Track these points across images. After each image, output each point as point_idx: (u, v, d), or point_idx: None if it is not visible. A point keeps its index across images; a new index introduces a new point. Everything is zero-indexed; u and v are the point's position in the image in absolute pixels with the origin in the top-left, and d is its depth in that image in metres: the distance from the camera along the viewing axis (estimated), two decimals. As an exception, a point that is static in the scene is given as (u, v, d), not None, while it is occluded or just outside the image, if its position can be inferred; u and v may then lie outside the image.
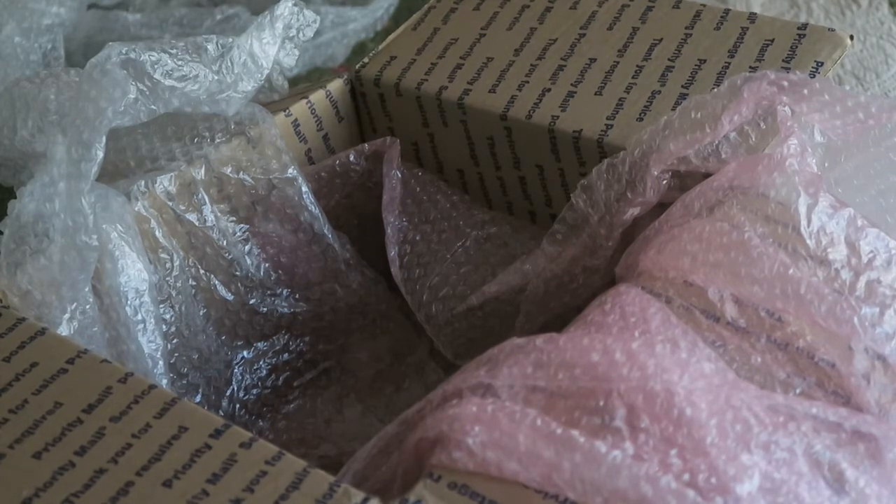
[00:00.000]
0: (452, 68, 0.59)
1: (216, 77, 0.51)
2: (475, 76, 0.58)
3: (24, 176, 0.53)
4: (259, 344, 0.58)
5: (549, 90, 0.56)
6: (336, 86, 0.61)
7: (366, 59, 0.62)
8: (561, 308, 0.53)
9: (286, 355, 0.60)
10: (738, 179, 0.46)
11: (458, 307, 0.57)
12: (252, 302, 0.57)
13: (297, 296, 0.59)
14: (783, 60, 0.54)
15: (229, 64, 0.52)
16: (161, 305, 0.52)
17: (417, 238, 0.60)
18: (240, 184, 0.56)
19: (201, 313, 0.55)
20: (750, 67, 0.54)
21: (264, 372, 0.59)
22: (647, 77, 0.55)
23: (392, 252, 0.58)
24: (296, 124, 0.59)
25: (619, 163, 0.49)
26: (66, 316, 0.46)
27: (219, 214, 0.55)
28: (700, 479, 0.35)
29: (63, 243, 0.46)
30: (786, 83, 0.46)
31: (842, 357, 0.40)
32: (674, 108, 0.50)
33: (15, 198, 0.48)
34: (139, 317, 0.49)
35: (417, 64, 0.60)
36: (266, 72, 0.53)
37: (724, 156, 0.47)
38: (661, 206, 0.48)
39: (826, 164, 0.48)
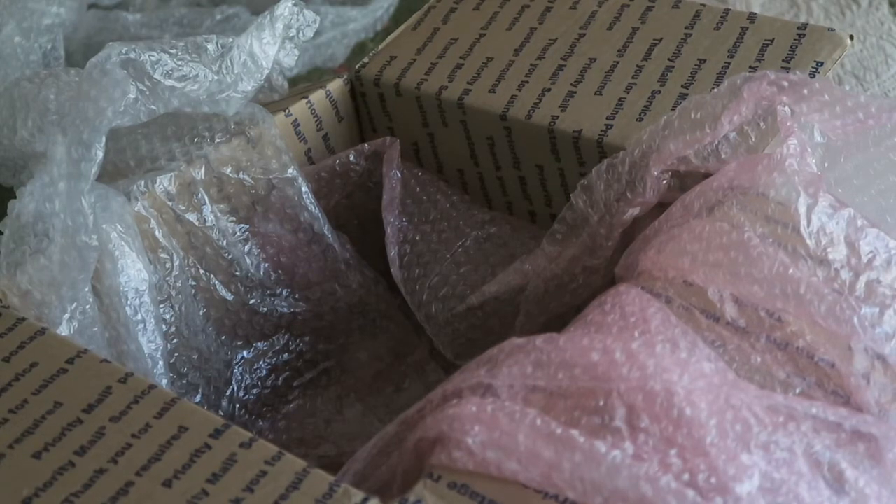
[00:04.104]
0: (452, 68, 0.59)
1: (216, 77, 0.51)
2: (475, 76, 0.58)
3: (24, 176, 0.53)
4: (259, 344, 0.58)
5: (549, 90, 0.56)
6: (336, 86, 0.61)
7: (366, 59, 0.62)
8: (561, 308, 0.53)
9: (286, 355, 0.60)
10: (738, 179, 0.46)
11: (458, 307, 0.57)
12: (252, 302, 0.57)
13: (297, 296, 0.59)
14: (783, 60, 0.54)
15: (229, 64, 0.52)
16: (161, 305, 0.52)
17: (417, 238, 0.60)
18: (240, 184, 0.56)
19: (201, 313, 0.55)
20: (750, 67, 0.54)
21: (264, 372, 0.59)
22: (647, 77, 0.55)
23: (392, 252, 0.58)
24: (296, 124, 0.59)
25: (618, 163, 0.49)
26: (66, 316, 0.46)
27: (219, 214, 0.55)
28: (700, 478, 0.35)
29: (63, 243, 0.46)
30: (786, 83, 0.46)
31: (842, 357, 0.40)
32: (674, 108, 0.50)
33: (15, 198, 0.48)
34: (139, 317, 0.49)
35: (417, 64, 0.60)
36: (266, 72, 0.53)
37: (724, 156, 0.47)
38: (661, 206, 0.48)
39: (826, 164, 0.48)
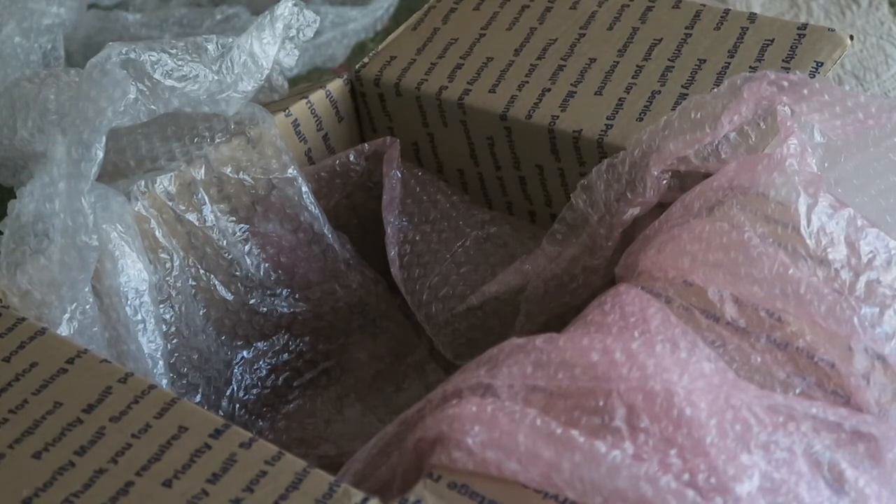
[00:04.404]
0: (452, 68, 0.59)
1: (216, 77, 0.51)
2: (475, 76, 0.58)
3: (24, 176, 0.53)
4: (259, 344, 0.58)
5: (549, 90, 0.56)
6: (336, 86, 0.61)
7: (366, 59, 0.62)
8: (561, 308, 0.53)
9: (286, 355, 0.60)
10: (738, 179, 0.46)
11: (458, 307, 0.57)
12: (252, 302, 0.57)
13: (297, 296, 0.59)
14: (783, 60, 0.54)
15: (229, 64, 0.52)
16: (161, 305, 0.52)
17: (417, 238, 0.60)
18: (240, 184, 0.56)
19: (201, 313, 0.55)
20: (750, 67, 0.54)
21: (264, 372, 0.59)
22: (647, 77, 0.55)
23: (392, 252, 0.58)
24: (296, 124, 0.59)
25: (619, 163, 0.49)
26: (66, 316, 0.46)
27: (219, 214, 0.55)
28: (700, 479, 0.35)
29: (63, 243, 0.46)
30: (786, 83, 0.46)
31: (842, 357, 0.40)
32: (674, 108, 0.50)
33: (15, 198, 0.48)
34: (139, 317, 0.49)
35: (417, 64, 0.60)
36: (266, 72, 0.53)
37: (724, 156, 0.47)
38: (661, 206, 0.48)
39: (826, 164, 0.48)
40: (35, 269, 0.47)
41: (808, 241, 0.43)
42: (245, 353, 0.58)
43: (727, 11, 0.58)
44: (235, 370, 0.58)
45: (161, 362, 0.50)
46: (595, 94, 0.55)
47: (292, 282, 0.58)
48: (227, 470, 0.36)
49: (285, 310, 0.58)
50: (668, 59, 0.56)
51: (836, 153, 0.49)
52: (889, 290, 0.43)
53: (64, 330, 0.46)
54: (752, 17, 0.57)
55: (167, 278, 0.53)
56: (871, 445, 0.38)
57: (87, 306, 0.47)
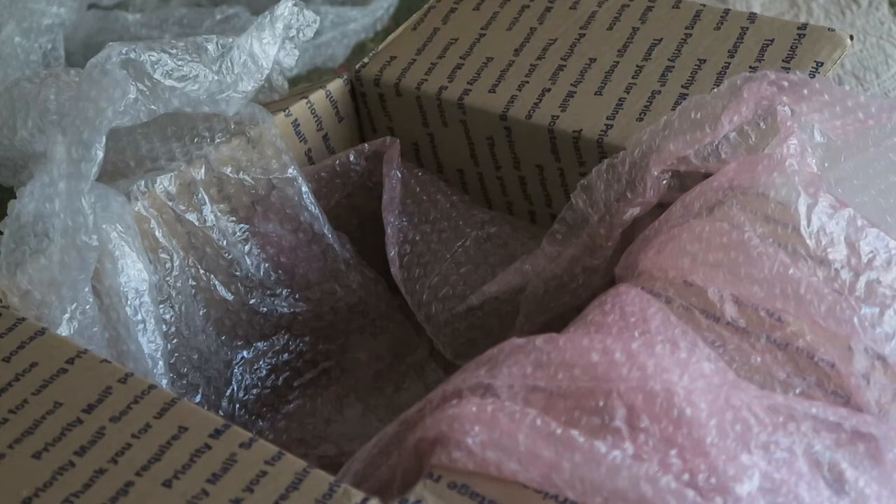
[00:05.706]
0: (452, 68, 0.59)
1: (216, 77, 0.51)
2: (475, 76, 0.58)
3: (24, 176, 0.53)
4: (259, 344, 0.58)
5: (549, 90, 0.56)
6: (336, 86, 0.61)
7: (366, 59, 0.62)
8: (561, 308, 0.53)
9: (286, 355, 0.60)
10: (738, 179, 0.46)
11: (458, 307, 0.57)
12: (252, 302, 0.57)
13: (297, 296, 0.59)
14: (783, 60, 0.54)
15: (229, 64, 0.52)
16: (161, 305, 0.52)
17: (417, 238, 0.60)
18: (240, 184, 0.56)
19: (201, 313, 0.55)
20: (750, 67, 0.54)
21: (264, 372, 0.59)
22: (647, 77, 0.55)
23: (392, 252, 0.58)
24: (296, 124, 0.59)
25: (618, 163, 0.49)
26: (66, 316, 0.46)
27: (219, 214, 0.55)
28: (700, 479, 0.35)
29: (63, 243, 0.46)
30: (786, 83, 0.47)
31: (842, 357, 0.40)
32: (674, 108, 0.50)
33: (15, 198, 0.48)
34: (139, 317, 0.49)
35: (417, 64, 0.60)
36: (266, 72, 0.53)
37: (723, 156, 0.47)
38: (661, 206, 0.48)
39: (826, 164, 0.48)
40: (35, 269, 0.47)
41: (808, 241, 0.43)
42: (245, 353, 0.58)
43: (727, 11, 0.58)
44: (235, 370, 0.58)
45: (161, 362, 0.50)
46: (595, 94, 0.55)
47: (292, 282, 0.58)
48: (227, 470, 0.36)
49: (285, 310, 0.58)
50: (668, 59, 0.56)
51: (836, 153, 0.49)
52: (889, 290, 0.43)
53: (64, 330, 0.46)
54: (752, 17, 0.57)
55: (167, 278, 0.53)
56: (871, 445, 0.38)
57: (87, 306, 0.47)
